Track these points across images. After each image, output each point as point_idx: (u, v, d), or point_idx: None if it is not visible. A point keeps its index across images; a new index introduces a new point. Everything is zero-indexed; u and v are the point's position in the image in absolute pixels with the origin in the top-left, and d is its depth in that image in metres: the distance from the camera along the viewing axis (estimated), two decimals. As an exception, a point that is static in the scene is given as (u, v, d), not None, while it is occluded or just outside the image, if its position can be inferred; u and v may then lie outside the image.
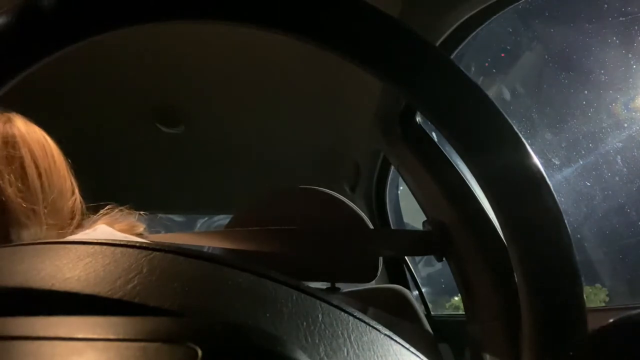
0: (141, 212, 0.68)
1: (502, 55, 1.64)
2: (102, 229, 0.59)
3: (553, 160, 1.43)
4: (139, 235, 0.65)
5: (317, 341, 0.17)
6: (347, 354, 0.17)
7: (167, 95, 1.26)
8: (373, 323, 0.20)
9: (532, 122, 1.59)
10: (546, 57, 1.59)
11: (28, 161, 0.57)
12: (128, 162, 1.53)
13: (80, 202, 0.64)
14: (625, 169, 1.27)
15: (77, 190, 0.64)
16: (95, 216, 0.63)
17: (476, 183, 0.25)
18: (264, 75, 1.18)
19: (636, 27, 1.16)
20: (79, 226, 0.61)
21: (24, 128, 0.59)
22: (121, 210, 0.65)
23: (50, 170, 0.59)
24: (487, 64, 1.64)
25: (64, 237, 0.58)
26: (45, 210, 0.57)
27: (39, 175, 0.57)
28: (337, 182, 1.61)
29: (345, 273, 0.98)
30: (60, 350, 0.11)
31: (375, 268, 0.96)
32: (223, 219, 2.49)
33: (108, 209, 0.64)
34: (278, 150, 1.54)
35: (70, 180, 0.63)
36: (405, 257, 1.46)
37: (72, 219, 0.61)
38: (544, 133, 1.55)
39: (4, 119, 0.59)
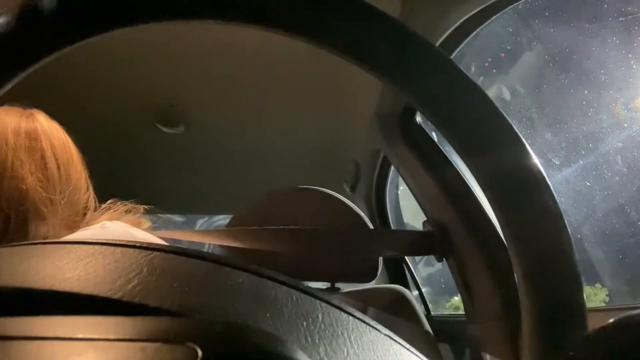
0: (146, 207, 0.69)
1: (502, 55, 1.64)
2: (116, 226, 0.60)
3: (553, 160, 1.43)
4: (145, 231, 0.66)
5: (317, 341, 0.17)
6: (347, 354, 0.17)
7: (167, 95, 1.26)
8: (373, 323, 0.20)
9: (532, 122, 1.59)
10: (546, 57, 1.59)
11: (49, 154, 0.60)
12: (128, 162, 1.53)
13: (94, 198, 0.66)
14: (625, 169, 1.27)
15: (90, 187, 0.67)
16: (97, 212, 0.65)
17: (476, 183, 0.25)
18: (264, 75, 1.18)
19: (636, 27, 1.16)
20: (89, 221, 0.63)
21: (46, 124, 0.63)
22: (125, 205, 0.66)
23: (69, 164, 0.62)
24: (487, 64, 1.64)
25: (77, 230, 0.59)
26: (62, 201, 0.59)
27: (58, 167, 0.60)
28: (337, 182, 1.61)
29: (345, 273, 0.98)
30: (60, 350, 0.11)
31: (375, 268, 0.96)
32: (223, 219, 2.49)
33: (110, 203, 0.66)
34: (278, 150, 1.54)
35: (85, 177, 0.66)
36: (405, 257, 1.47)
37: (85, 214, 0.64)
38: (544, 133, 1.55)
39: (26, 114, 0.62)
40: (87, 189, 0.66)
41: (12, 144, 0.57)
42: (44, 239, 0.55)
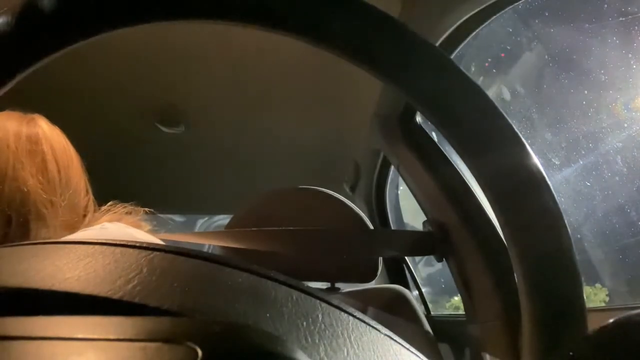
0: (146, 209, 0.70)
1: (502, 55, 1.64)
2: (116, 227, 0.60)
3: (553, 160, 1.43)
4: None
5: (317, 341, 0.17)
6: (347, 354, 0.17)
7: (167, 95, 1.26)
8: (373, 323, 0.20)
9: (532, 122, 1.59)
10: (546, 57, 1.59)
11: (49, 157, 0.61)
12: (128, 162, 1.53)
13: (93, 201, 0.67)
14: (625, 169, 1.27)
15: (90, 191, 0.67)
16: (97, 213, 0.65)
17: (476, 183, 0.25)
18: (264, 75, 1.18)
19: (636, 27, 1.16)
20: (89, 223, 0.64)
21: (47, 128, 0.64)
22: (125, 206, 0.67)
23: (69, 167, 0.63)
24: (487, 64, 1.64)
25: (77, 231, 0.60)
26: (62, 204, 0.60)
27: (58, 170, 0.61)
28: (337, 182, 1.61)
29: (345, 273, 0.98)
30: (60, 350, 0.11)
31: (375, 268, 0.96)
32: (223, 219, 2.50)
33: (110, 205, 0.66)
34: (278, 150, 1.54)
35: (85, 180, 0.67)
36: (405, 257, 1.46)
37: (85, 216, 0.65)
38: (544, 133, 1.55)
39: (27, 119, 0.63)
40: (87, 192, 0.67)
41: (14, 147, 0.58)
42: (45, 239, 0.55)
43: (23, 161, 0.58)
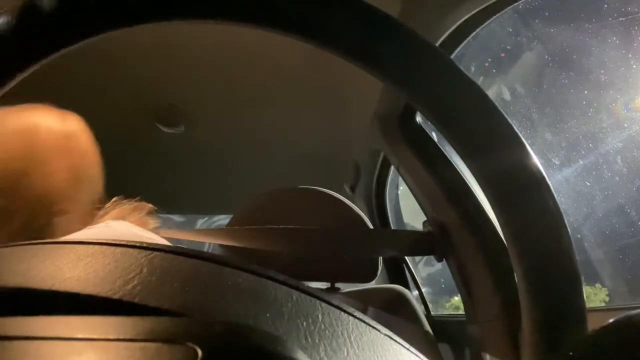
0: (151, 205, 0.70)
1: (502, 55, 1.64)
2: (120, 225, 0.60)
3: (553, 160, 1.43)
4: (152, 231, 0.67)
5: (317, 341, 0.17)
6: (347, 354, 0.17)
7: (167, 94, 1.26)
8: (373, 323, 0.20)
9: (532, 122, 1.59)
10: (546, 57, 1.59)
11: (78, 154, 0.62)
12: (128, 162, 1.53)
13: (103, 198, 0.68)
14: (625, 169, 1.27)
15: (101, 188, 0.68)
16: (101, 211, 0.65)
17: (476, 183, 0.25)
18: (264, 74, 1.18)
19: (636, 27, 1.16)
20: (95, 219, 0.64)
21: (75, 125, 0.65)
22: (131, 203, 0.67)
23: (92, 165, 0.65)
24: (487, 64, 1.64)
25: (86, 228, 0.60)
26: (84, 200, 0.61)
27: (85, 168, 0.63)
28: (337, 182, 1.61)
29: (345, 273, 0.98)
30: (60, 350, 0.11)
31: (375, 268, 0.96)
32: (223, 219, 2.50)
33: (114, 201, 0.67)
34: (278, 150, 1.54)
35: (101, 176, 0.68)
36: (405, 257, 1.47)
37: (98, 210, 0.65)
38: (544, 133, 1.55)
39: (59, 114, 0.64)
40: (101, 188, 0.67)
41: (43, 141, 0.58)
42: (64, 234, 0.56)
43: (51, 155, 0.58)
